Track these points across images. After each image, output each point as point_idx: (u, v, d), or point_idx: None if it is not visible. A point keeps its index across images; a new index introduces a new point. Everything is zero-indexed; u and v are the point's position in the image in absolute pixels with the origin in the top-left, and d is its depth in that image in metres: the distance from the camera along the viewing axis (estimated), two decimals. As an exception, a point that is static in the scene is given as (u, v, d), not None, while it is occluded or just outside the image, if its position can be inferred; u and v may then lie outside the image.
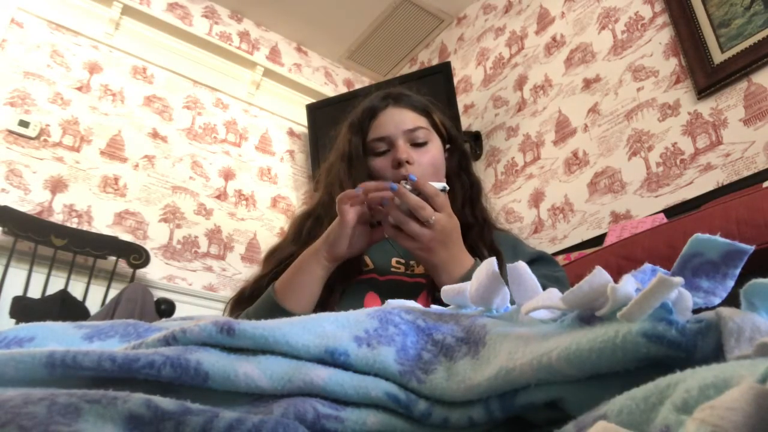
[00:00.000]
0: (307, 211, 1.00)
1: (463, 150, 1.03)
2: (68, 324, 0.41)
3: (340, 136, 1.03)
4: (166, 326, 0.39)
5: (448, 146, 1.02)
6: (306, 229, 0.95)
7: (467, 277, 0.74)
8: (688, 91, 2.05)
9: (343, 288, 0.85)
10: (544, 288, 0.37)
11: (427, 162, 0.95)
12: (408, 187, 0.77)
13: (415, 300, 0.51)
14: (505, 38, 3.03)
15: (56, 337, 0.38)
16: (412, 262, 0.91)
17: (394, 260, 0.91)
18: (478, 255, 0.84)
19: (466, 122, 3.05)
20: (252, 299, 0.87)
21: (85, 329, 0.40)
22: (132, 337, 0.39)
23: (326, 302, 0.83)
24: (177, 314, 2.17)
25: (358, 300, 0.82)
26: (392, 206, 0.77)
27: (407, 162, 0.93)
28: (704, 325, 0.26)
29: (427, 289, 0.84)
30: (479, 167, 2.85)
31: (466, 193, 0.98)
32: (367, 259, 0.90)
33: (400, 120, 0.98)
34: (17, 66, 2.54)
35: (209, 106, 3.09)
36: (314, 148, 2.98)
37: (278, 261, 0.91)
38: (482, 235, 0.91)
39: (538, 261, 0.90)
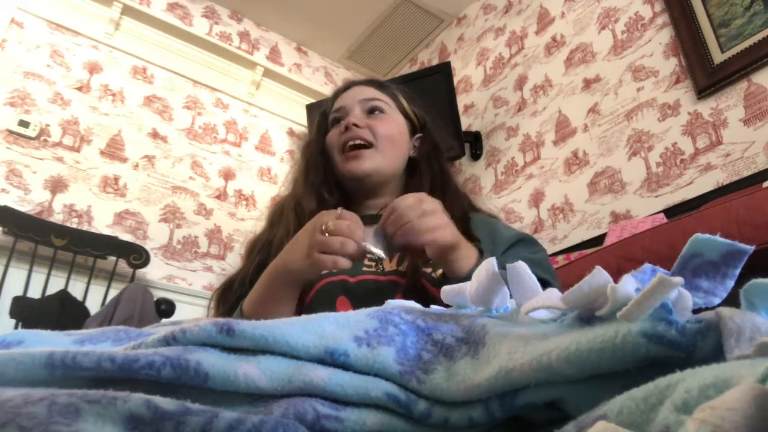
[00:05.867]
0: (280, 201, 1.02)
1: (435, 142, 1.00)
2: (57, 332, 0.41)
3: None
4: (158, 331, 0.38)
5: (419, 135, 1.01)
6: (275, 217, 0.96)
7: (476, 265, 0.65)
8: (688, 91, 2.05)
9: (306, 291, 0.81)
10: None
11: (384, 131, 0.92)
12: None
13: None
14: (505, 38, 3.03)
15: (45, 342, 0.38)
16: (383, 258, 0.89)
17: (365, 259, 0.88)
18: None
19: (466, 122, 3.05)
20: (239, 293, 0.87)
21: (75, 335, 0.40)
22: (124, 342, 0.39)
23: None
24: (177, 314, 2.17)
25: (329, 305, 0.78)
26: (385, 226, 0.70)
27: (355, 125, 0.91)
28: (704, 325, 0.26)
29: (403, 291, 0.78)
30: (479, 167, 2.85)
31: (435, 179, 0.95)
32: None
33: (359, 92, 0.98)
34: (17, 66, 2.54)
35: (209, 106, 3.09)
36: (314, 149, 2.97)
37: (257, 250, 0.92)
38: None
39: (518, 244, 0.86)
